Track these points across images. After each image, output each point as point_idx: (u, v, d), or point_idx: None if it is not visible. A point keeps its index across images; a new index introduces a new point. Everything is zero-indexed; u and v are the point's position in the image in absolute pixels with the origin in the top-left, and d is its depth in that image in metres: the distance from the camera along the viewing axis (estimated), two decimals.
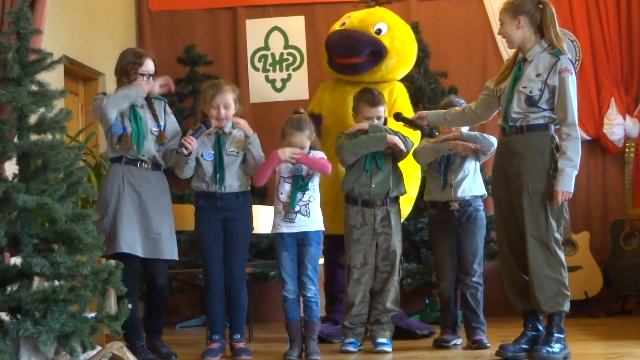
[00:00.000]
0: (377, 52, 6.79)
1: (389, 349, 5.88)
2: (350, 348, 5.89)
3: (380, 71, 6.82)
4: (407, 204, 6.65)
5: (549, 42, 5.32)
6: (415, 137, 6.39)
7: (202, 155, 5.82)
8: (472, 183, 6.12)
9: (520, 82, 5.32)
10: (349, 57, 6.75)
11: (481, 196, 6.19)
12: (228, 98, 5.83)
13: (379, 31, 6.87)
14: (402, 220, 6.31)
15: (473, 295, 6.12)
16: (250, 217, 5.98)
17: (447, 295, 6.19)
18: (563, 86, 5.22)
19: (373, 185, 5.97)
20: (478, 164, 6.19)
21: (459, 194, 6.10)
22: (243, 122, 5.85)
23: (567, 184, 5.18)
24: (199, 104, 6.02)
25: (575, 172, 5.21)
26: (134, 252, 5.57)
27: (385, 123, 6.21)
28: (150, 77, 5.82)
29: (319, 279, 5.86)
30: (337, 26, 6.98)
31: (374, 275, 6.01)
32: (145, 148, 5.73)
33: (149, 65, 5.82)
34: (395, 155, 6.05)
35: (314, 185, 5.78)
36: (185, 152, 5.63)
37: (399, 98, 6.81)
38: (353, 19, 6.95)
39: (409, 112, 6.60)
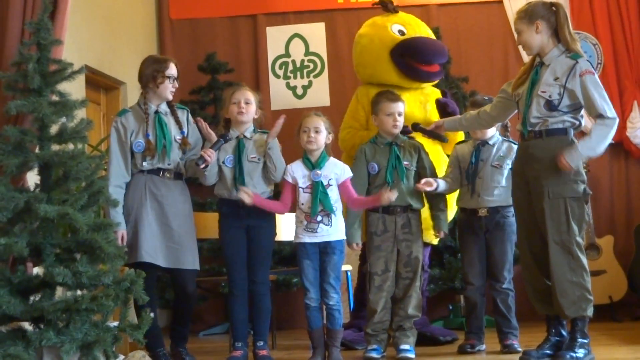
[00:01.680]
0: (446, 60, 6.93)
1: (413, 355, 5.85)
2: (374, 355, 5.87)
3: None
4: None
5: (564, 43, 5.32)
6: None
7: (223, 162, 5.82)
8: (504, 193, 6.06)
9: (538, 87, 5.31)
10: (437, 64, 6.76)
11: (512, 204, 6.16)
12: (248, 94, 5.84)
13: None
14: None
15: (504, 300, 6.09)
16: (274, 223, 5.97)
17: (474, 300, 6.17)
18: (588, 88, 5.21)
19: (392, 199, 5.96)
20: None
21: (487, 203, 6.09)
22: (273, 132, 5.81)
23: (573, 157, 5.20)
24: (221, 112, 6.02)
25: (589, 154, 5.31)
26: (155, 262, 5.59)
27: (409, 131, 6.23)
28: (175, 81, 5.83)
29: (341, 285, 5.85)
30: (391, 33, 6.78)
31: (396, 282, 5.99)
32: (171, 157, 5.75)
33: (173, 69, 5.83)
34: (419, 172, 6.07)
35: (334, 193, 5.76)
36: (203, 165, 5.65)
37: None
38: (412, 26, 6.88)
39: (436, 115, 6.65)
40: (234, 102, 5.82)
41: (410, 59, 6.65)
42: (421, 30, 6.92)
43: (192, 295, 5.85)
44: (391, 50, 6.70)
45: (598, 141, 5.21)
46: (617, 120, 5.25)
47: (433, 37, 6.96)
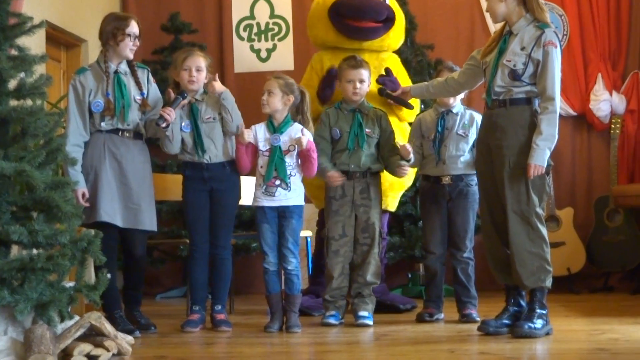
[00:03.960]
0: (390, 19, 6.75)
1: (371, 322, 5.85)
2: (332, 321, 5.87)
3: (388, 39, 6.79)
4: (399, 188, 6.63)
5: (532, 13, 5.28)
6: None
7: (181, 129, 5.77)
8: (468, 160, 6.06)
9: (504, 56, 5.29)
10: (369, 19, 6.64)
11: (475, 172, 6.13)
12: (200, 61, 5.80)
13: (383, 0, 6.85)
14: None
15: (464, 270, 6.09)
16: (238, 186, 5.96)
17: (434, 269, 6.16)
18: (546, 59, 5.20)
19: (352, 166, 5.94)
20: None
21: (452, 170, 6.07)
22: (216, 83, 5.81)
23: (539, 157, 5.15)
24: (170, 72, 5.96)
25: (550, 146, 5.18)
26: (114, 222, 5.54)
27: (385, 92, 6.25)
28: (136, 39, 5.76)
29: (300, 251, 5.82)
30: None
31: (354, 248, 5.97)
32: (130, 117, 5.67)
33: (134, 27, 5.76)
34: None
35: (294, 159, 5.72)
36: (164, 124, 5.59)
37: (400, 72, 6.76)
38: None
39: (406, 83, 6.59)
40: (184, 68, 5.78)
41: (342, 15, 6.66)
42: None
43: (140, 259, 5.83)
44: (329, 8, 6.73)
45: (551, 129, 5.18)
46: (558, 101, 5.24)
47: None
